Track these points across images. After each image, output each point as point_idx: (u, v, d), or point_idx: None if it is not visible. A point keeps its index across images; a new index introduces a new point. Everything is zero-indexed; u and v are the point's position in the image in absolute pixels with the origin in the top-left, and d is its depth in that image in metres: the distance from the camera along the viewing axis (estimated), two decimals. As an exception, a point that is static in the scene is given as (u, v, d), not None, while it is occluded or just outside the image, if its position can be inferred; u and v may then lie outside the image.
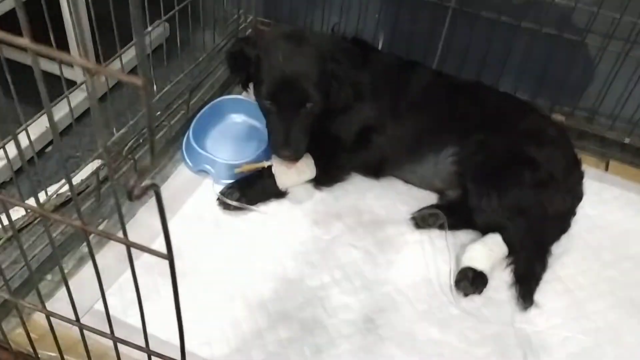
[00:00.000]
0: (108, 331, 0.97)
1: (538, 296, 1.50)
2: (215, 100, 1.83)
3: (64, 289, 1.41)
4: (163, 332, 1.34)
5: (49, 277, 1.46)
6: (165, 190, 1.69)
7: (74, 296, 1.41)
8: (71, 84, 1.71)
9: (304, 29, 1.83)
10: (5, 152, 1.40)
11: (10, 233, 1.42)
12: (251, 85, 1.60)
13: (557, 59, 1.89)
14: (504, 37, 1.89)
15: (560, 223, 1.64)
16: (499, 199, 1.55)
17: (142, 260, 1.52)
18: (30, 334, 1.15)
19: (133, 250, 1.51)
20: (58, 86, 1.49)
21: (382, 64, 1.71)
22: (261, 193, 1.65)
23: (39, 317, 1.32)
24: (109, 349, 1.26)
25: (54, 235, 1.54)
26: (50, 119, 0.70)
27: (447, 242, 1.60)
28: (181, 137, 1.82)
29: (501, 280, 1.55)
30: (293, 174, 1.65)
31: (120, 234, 0.80)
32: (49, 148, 1.86)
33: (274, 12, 2.24)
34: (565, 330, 1.45)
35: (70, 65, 1.93)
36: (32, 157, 1.45)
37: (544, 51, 1.88)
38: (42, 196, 1.51)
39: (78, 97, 1.92)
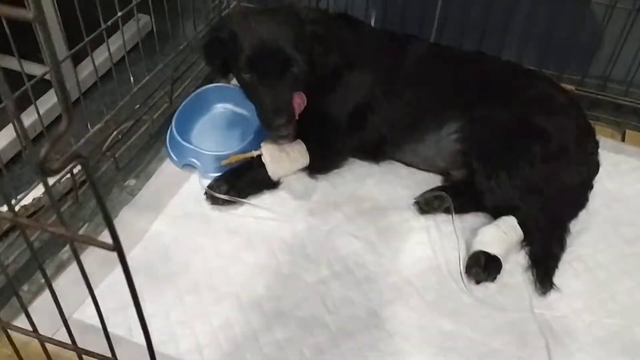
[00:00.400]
0: (89, 342, 0.85)
1: (557, 279, 1.38)
2: (199, 90, 1.71)
3: (40, 298, 1.31)
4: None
5: (25, 287, 1.36)
6: (149, 189, 1.58)
7: (51, 306, 1.32)
8: (46, 82, 1.61)
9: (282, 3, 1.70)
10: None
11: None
12: (232, 75, 1.49)
13: (562, 22, 1.77)
14: (505, 2, 1.75)
15: (577, 198, 1.52)
16: (508, 178, 1.43)
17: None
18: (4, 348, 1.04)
19: (115, 259, 1.39)
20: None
21: (373, 37, 1.60)
22: (252, 184, 1.53)
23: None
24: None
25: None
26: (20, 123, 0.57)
27: (454, 226, 1.48)
28: (165, 132, 1.70)
29: (516, 263, 1.43)
30: (285, 162, 1.53)
31: (103, 236, 0.68)
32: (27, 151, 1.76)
33: (259, -4, 2.12)
34: (589, 314, 1.33)
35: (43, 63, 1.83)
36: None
37: (548, 14, 1.75)
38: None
39: (53, 98, 1.82)
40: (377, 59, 1.58)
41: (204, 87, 1.71)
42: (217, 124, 1.72)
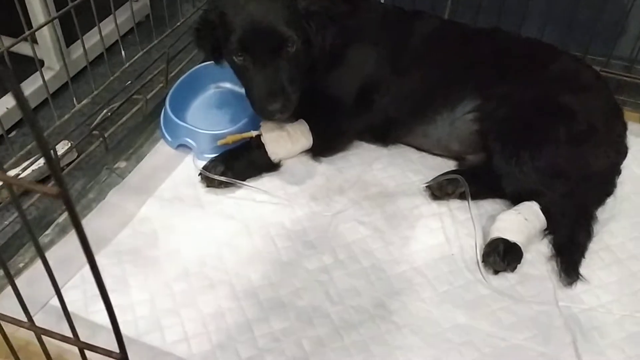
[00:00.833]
0: (63, 330, 0.74)
1: (583, 269, 1.25)
2: (196, 67, 1.61)
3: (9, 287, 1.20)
4: (132, 329, 1.12)
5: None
6: (140, 171, 1.47)
7: (26, 290, 1.21)
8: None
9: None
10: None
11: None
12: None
13: (586, 0, 1.64)
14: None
15: (604, 184, 1.39)
16: (531, 160, 1.30)
17: (110, 248, 1.30)
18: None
19: (100, 237, 1.28)
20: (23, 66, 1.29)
21: (377, 11, 1.49)
22: (250, 166, 1.42)
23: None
24: (65, 351, 1.04)
25: (7, 223, 1.33)
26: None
27: (470, 212, 1.35)
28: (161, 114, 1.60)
29: (538, 252, 1.30)
30: (286, 143, 1.42)
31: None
32: (13, 133, 1.66)
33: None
34: (620, 307, 1.20)
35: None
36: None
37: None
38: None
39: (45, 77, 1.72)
40: (382, 35, 1.47)
41: (201, 64, 1.60)
42: (215, 103, 1.61)
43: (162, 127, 1.53)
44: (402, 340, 1.12)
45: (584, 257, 1.27)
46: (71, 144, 1.45)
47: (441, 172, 1.44)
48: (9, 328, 0.79)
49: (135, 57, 1.52)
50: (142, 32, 1.67)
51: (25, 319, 0.74)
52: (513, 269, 1.24)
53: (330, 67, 1.41)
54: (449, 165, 1.51)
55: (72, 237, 1.29)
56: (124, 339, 1.10)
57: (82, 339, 0.93)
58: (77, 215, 0.52)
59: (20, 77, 1.70)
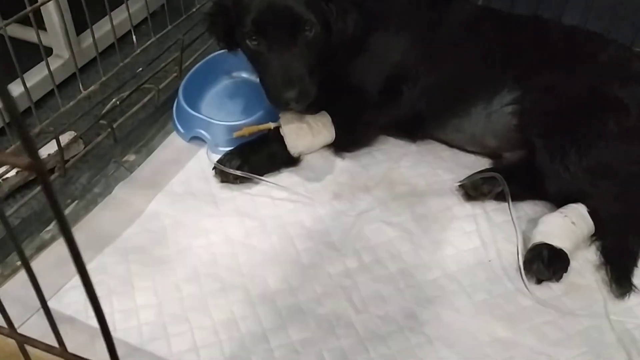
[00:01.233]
0: (64, 336, 0.63)
1: (637, 279, 1.12)
2: (211, 56, 1.50)
3: (5, 286, 1.10)
4: (136, 336, 1.01)
5: (-7, 270, 1.15)
6: (150, 164, 1.37)
7: (21, 292, 1.11)
8: (47, 51, 1.43)
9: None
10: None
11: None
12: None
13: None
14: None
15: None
16: (578, 158, 1.18)
17: (115, 245, 1.19)
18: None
19: (105, 234, 1.17)
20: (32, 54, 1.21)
21: None
22: (267, 160, 1.31)
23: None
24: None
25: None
26: None
27: (511, 214, 1.23)
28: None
29: (585, 260, 1.17)
30: (307, 135, 1.31)
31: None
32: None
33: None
34: (680, 323, 1.06)
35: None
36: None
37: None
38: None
39: (52, 66, 1.63)
40: (412, 21, 1.36)
41: (217, 52, 1.50)
42: (231, 93, 1.51)
43: (175, 118, 1.43)
44: (434, 354, 1.00)
45: (636, 266, 1.14)
46: (76, 134, 1.35)
47: (475, 171, 1.32)
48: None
49: (148, 43, 1.42)
50: (156, 22, 1.58)
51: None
52: (559, 278, 1.12)
53: (353, 55, 1.30)
54: (483, 163, 1.39)
55: (74, 234, 1.19)
56: (127, 347, 1.01)
57: (79, 345, 0.83)
58: (53, 195, 0.41)
59: (27, 65, 1.61)
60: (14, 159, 0.40)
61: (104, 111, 1.37)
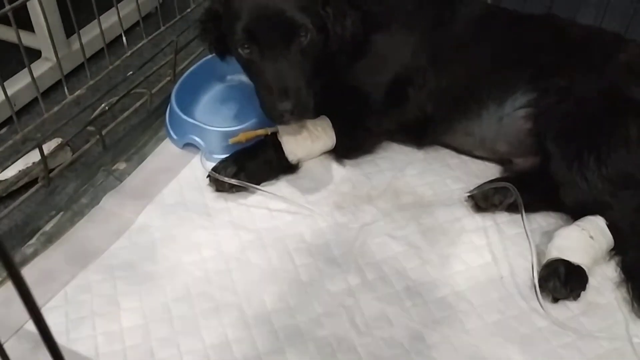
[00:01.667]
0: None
1: (661, 298, 1.04)
2: (205, 59, 1.43)
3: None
4: (121, 361, 0.94)
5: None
6: (140, 173, 1.29)
7: (1, 311, 1.04)
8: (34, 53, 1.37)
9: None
10: None
11: None
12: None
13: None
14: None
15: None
16: (597, 166, 1.11)
17: (101, 261, 1.11)
18: None
19: (91, 249, 1.12)
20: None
21: None
22: (265, 168, 1.24)
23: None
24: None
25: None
26: None
27: (525, 227, 1.15)
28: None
29: (604, 276, 1.10)
30: (305, 141, 1.24)
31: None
32: (3, 129, 1.50)
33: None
34: None
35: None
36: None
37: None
38: None
39: (41, 69, 1.57)
40: (418, 20, 1.29)
41: (211, 56, 1.43)
42: (226, 98, 1.44)
43: (168, 124, 1.36)
44: (444, 381, 0.93)
45: (660, 284, 1.06)
46: (61, 141, 1.28)
47: (485, 180, 1.25)
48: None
49: (140, 45, 1.35)
50: (150, 25, 1.52)
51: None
52: (576, 296, 1.05)
53: (355, 57, 1.23)
54: (494, 171, 1.32)
55: (58, 248, 1.12)
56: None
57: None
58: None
59: (17, 67, 1.55)
60: None
61: (92, 116, 1.30)
